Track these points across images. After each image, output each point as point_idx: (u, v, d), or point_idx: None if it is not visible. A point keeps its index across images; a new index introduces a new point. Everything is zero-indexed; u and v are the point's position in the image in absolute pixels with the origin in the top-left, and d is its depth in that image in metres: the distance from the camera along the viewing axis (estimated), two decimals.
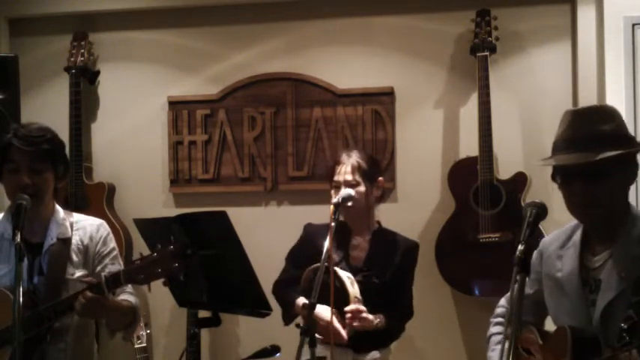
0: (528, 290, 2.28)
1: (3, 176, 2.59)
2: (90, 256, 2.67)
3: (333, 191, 3.03)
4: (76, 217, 2.74)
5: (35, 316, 2.47)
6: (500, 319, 2.40)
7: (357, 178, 2.99)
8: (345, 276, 2.90)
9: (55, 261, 2.59)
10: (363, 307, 2.85)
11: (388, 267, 3.02)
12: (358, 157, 3.04)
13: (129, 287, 2.70)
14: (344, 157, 3.07)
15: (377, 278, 2.99)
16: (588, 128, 2.06)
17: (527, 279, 2.36)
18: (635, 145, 2.09)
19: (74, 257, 2.63)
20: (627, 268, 1.98)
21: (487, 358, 2.36)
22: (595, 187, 2.02)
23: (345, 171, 3.01)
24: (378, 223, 3.16)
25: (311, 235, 3.15)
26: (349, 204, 2.91)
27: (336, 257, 3.02)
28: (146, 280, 2.43)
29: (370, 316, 2.88)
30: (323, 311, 2.81)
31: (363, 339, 2.91)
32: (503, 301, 2.45)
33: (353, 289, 2.88)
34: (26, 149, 2.51)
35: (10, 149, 2.53)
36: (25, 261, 2.54)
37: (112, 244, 2.74)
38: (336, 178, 3.03)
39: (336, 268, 2.92)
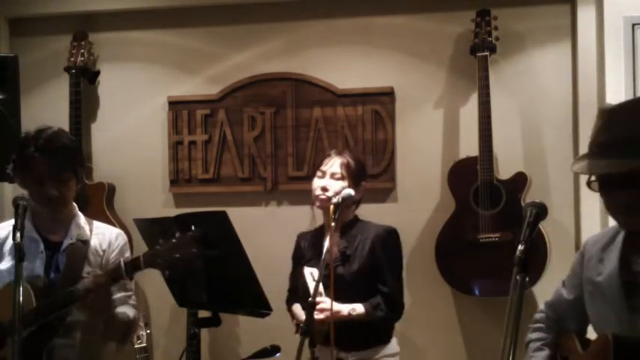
0: (568, 296, 2.24)
1: (24, 184, 2.61)
2: (105, 262, 2.69)
3: (315, 178, 3.04)
4: (96, 224, 2.78)
5: (49, 304, 2.47)
6: (539, 325, 2.33)
7: (344, 172, 2.99)
8: (308, 272, 2.89)
9: (73, 259, 2.62)
10: (322, 299, 2.81)
11: (356, 256, 2.97)
12: (348, 156, 3.05)
13: (132, 299, 2.71)
14: (334, 152, 3.10)
15: (343, 268, 2.95)
16: (627, 130, 1.89)
17: (563, 283, 2.29)
18: None
19: (92, 258, 2.66)
20: None
21: None
22: (639, 194, 1.90)
23: (333, 163, 3.02)
24: (355, 216, 3.11)
25: (297, 243, 3.22)
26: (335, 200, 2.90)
27: (309, 256, 3.06)
28: (164, 265, 2.45)
29: (335, 307, 2.82)
30: (299, 310, 2.95)
31: (345, 334, 2.86)
32: (542, 307, 2.38)
33: (313, 283, 2.82)
34: (50, 162, 2.52)
35: (33, 161, 2.53)
36: (44, 257, 2.59)
37: (128, 253, 2.77)
38: (323, 167, 3.03)
39: (305, 267, 2.94)
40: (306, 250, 3.14)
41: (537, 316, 2.37)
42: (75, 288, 2.46)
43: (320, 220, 3.17)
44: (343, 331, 2.84)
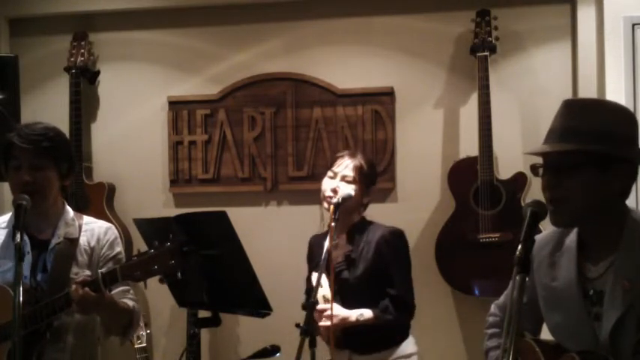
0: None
1: (7, 174, 2.60)
2: (95, 258, 2.65)
3: (325, 178, 2.98)
4: (86, 219, 2.73)
5: (34, 312, 2.45)
6: (495, 330, 2.27)
7: (356, 176, 2.94)
8: (314, 277, 2.86)
9: (60, 260, 2.58)
10: (326, 306, 2.79)
11: (361, 259, 2.93)
12: (362, 160, 2.99)
13: (130, 293, 2.68)
14: (348, 153, 3.03)
15: (348, 273, 2.92)
16: (571, 120, 1.92)
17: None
18: (618, 147, 1.88)
19: (80, 257, 2.62)
20: (632, 279, 1.85)
21: None
22: (562, 181, 1.90)
23: (347, 165, 2.96)
24: (362, 217, 3.07)
25: (311, 246, 3.17)
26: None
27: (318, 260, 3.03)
28: (143, 277, 2.40)
29: (343, 313, 2.83)
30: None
31: (357, 337, 2.87)
32: (494, 309, 2.32)
33: (322, 289, 2.82)
34: (26, 147, 2.52)
35: (13, 147, 2.54)
36: (30, 257, 2.55)
37: (119, 248, 2.71)
38: (335, 168, 2.97)
39: (314, 272, 2.91)
40: (316, 253, 3.07)
41: (491, 319, 2.31)
42: (61, 296, 2.43)
43: (328, 221, 3.13)
44: (355, 334, 2.85)
